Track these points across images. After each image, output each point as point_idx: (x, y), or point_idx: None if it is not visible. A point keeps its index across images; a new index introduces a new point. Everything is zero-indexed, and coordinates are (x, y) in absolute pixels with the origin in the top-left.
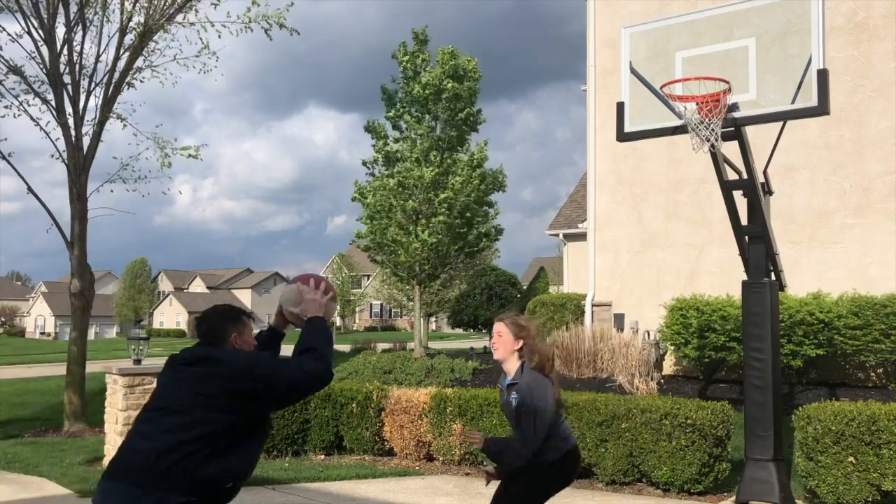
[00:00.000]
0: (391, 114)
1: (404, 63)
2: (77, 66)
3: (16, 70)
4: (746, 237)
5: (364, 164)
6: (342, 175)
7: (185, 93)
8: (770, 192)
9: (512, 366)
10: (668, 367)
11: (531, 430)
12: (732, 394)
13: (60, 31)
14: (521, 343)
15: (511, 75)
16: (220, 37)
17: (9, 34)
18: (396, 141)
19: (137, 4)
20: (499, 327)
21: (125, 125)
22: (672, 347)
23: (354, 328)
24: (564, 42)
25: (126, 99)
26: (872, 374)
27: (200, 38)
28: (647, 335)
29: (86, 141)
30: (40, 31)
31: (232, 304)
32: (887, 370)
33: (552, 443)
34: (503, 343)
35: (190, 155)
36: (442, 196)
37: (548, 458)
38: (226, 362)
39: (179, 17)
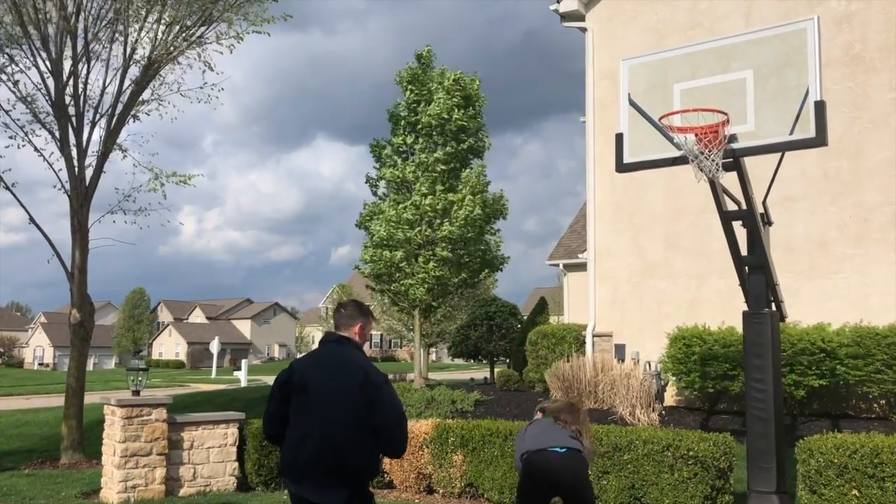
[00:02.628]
0: (398, 139)
1: (409, 91)
2: (82, 99)
3: (25, 101)
4: (746, 267)
5: (368, 181)
6: (347, 206)
7: (194, 125)
8: (769, 223)
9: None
10: (670, 397)
11: None
12: (734, 425)
13: (67, 63)
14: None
15: (518, 108)
16: (216, 71)
17: (17, 65)
18: (395, 166)
19: (142, 39)
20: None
21: (125, 156)
22: (673, 378)
23: None
24: (570, 74)
25: (135, 131)
26: (875, 405)
27: (205, 62)
28: (648, 366)
29: (88, 172)
30: (47, 63)
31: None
32: (889, 401)
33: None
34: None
35: (180, 181)
36: (444, 232)
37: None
38: None
39: (185, 52)
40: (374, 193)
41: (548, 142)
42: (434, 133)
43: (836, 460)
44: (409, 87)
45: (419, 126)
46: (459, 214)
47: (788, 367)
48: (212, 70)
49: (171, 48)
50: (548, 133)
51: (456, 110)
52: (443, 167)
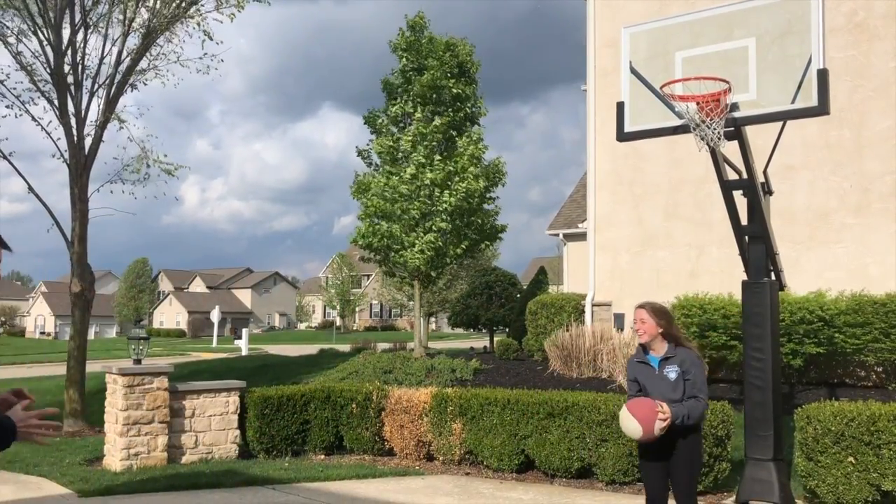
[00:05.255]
0: (394, 109)
1: (404, 59)
2: (80, 67)
3: (25, 68)
4: (746, 237)
5: (359, 153)
6: (352, 176)
7: (201, 94)
8: (770, 192)
9: (658, 345)
10: None
11: (705, 387)
12: (732, 394)
13: (66, 31)
14: (662, 327)
15: (525, 77)
16: (216, 41)
17: (14, 34)
18: (397, 140)
19: (141, 8)
20: (640, 314)
21: (121, 127)
22: None
23: (354, 328)
24: (576, 44)
25: (139, 100)
26: (872, 373)
27: (204, 32)
28: None
29: (87, 142)
30: (45, 31)
31: None
32: (887, 369)
33: (705, 407)
34: (647, 327)
35: (165, 170)
36: (444, 205)
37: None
38: None
39: (183, 20)
40: (368, 164)
41: (553, 111)
42: (430, 102)
43: (833, 428)
44: (404, 55)
45: (413, 95)
46: (460, 187)
47: (786, 335)
48: (211, 39)
49: (170, 16)
50: (554, 102)
51: (449, 78)
52: (440, 136)
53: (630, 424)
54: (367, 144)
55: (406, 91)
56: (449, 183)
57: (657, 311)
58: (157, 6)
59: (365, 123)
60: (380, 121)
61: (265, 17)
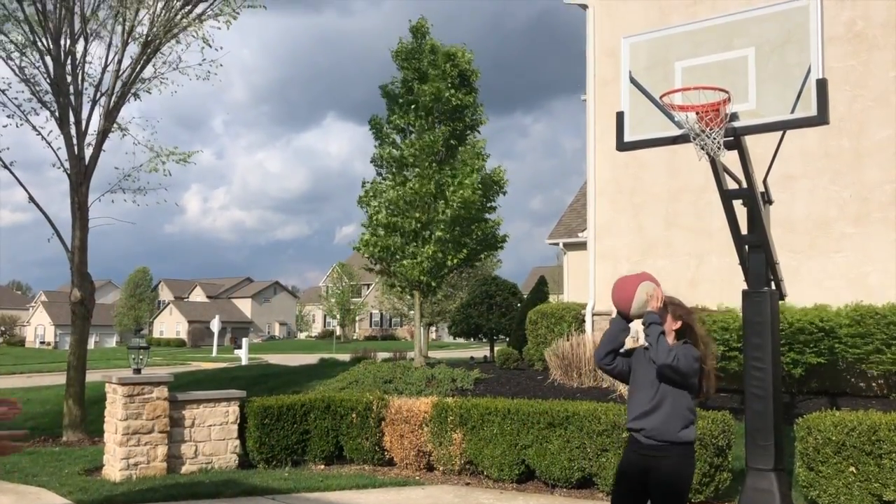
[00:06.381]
0: (396, 118)
1: (404, 69)
2: (80, 77)
3: (25, 79)
4: (746, 246)
5: (373, 160)
6: (354, 185)
7: (204, 104)
8: (770, 202)
9: (671, 339)
10: None
11: (685, 362)
12: (733, 403)
13: (65, 41)
14: (679, 323)
15: (528, 88)
16: (215, 47)
17: (14, 44)
18: (394, 144)
19: (141, 17)
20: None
21: (124, 135)
22: None
23: (354, 337)
24: (580, 54)
25: (142, 110)
26: (874, 383)
27: (203, 39)
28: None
29: (88, 151)
30: (45, 41)
31: None
32: (888, 380)
33: (693, 419)
34: (665, 323)
35: (180, 159)
36: (443, 216)
37: (692, 436)
38: None
39: (183, 26)
40: (379, 173)
41: (555, 121)
42: (434, 111)
43: (834, 437)
44: (405, 64)
45: (416, 105)
46: (455, 197)
47: (787, 345)
48: (210, 46)
49: (171, 25)
50: (556, 112)
51: (451, 90)
52: (441, 148)
53: (628, 275)
54: (374, 147)
55: (409, 102)
56: (445, 193)
57: (674, 311)
58: (157, 12)
59: (370, 129)
60: (384, 129)
61: (268, 27)
